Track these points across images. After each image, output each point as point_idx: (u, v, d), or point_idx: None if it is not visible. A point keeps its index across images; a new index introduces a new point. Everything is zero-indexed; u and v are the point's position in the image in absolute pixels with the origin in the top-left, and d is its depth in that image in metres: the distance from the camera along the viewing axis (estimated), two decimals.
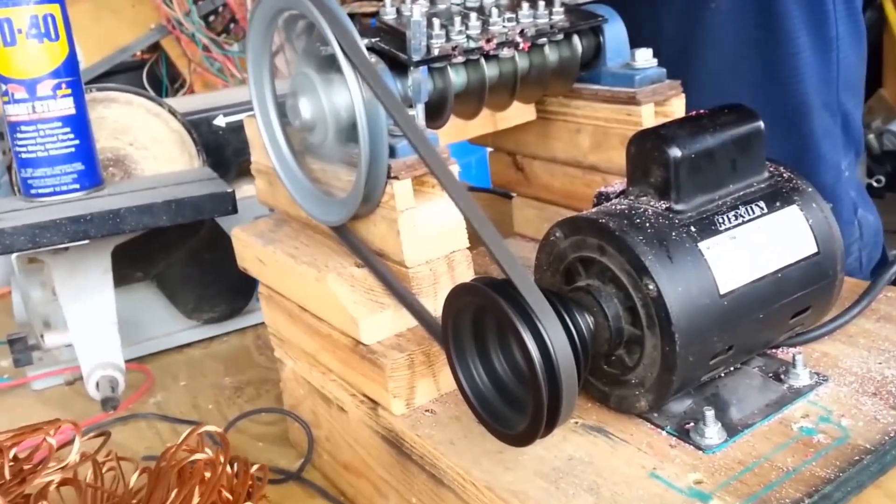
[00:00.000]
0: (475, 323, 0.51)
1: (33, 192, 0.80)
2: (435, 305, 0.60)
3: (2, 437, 0.58)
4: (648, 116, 0.71)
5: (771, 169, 0.57)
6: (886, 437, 0.50)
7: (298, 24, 0.65)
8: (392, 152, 0.58)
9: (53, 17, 0.79)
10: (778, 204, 0.55)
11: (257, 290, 0.99)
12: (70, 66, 0.80)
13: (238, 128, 1.01)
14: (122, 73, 2.06)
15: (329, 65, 0.60)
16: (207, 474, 0.54)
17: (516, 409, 0.50)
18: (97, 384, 0.81)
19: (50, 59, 0.79)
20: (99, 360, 0.82)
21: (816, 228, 0.55)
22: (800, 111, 0.95)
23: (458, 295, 0.50)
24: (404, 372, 0.58)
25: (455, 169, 0.57)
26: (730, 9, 0.92)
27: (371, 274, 0.61)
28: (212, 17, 2.19)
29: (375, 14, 0.69)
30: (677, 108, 0.72)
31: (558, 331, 0.45)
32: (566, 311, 0.50)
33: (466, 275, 0.61)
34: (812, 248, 0.55)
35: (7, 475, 0.55)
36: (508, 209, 0.92)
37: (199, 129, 0.96)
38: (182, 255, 0.96)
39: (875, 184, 2.26)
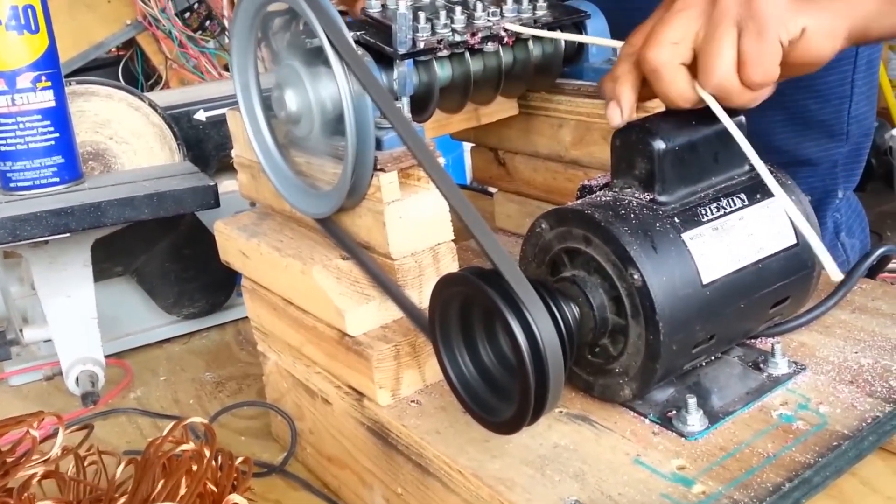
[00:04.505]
0: (462, 312, 0.51)
1: (12, 185, 0.80)
2: (420, 297, 0.60)
3: None
4: None
5: (751, 162, 0.58)
6: (864, 424, 0.52)
7: (279, 18, 0.65)
8: (378, 144, 0.58)
9: (33, 9, 0.78)
10: (758, 196, 0.56)
11: (237, 285, 0.99)
12: (50, 59, 0.79)
13: (218, 122, 1.00)
14: (97, 70, 2.04)
15: (315, 57, 0.60)
16: (194, 467, 0.53)
17: (502, 397, 0.51)
18: (77, 379, 0.81)
19: (30, 51, 0.78)
20: (79, 355, 0.81)
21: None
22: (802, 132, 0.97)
23: (446, 284, 0.51)
24: (390, 363, 0.58)
25: (441, 161, 0.57)
26: None
27: (356, 266, 0.61)
28: (187, 14, 2.18)
29: (345, 13, 0.69)
30: (658, 103, 0.73)
31: (546, 319, 0.46)
32: (552, 301, 0.51)
33: (451, 267, 0.61)
34: (791, 240, 0.56)
35: None
36: (487, 206, 0.93)
37: (180, 123, 0.96)
38: (162, 249, 0.95)
39: None
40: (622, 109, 0.55)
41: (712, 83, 0.52)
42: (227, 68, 2.11)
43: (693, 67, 0.54)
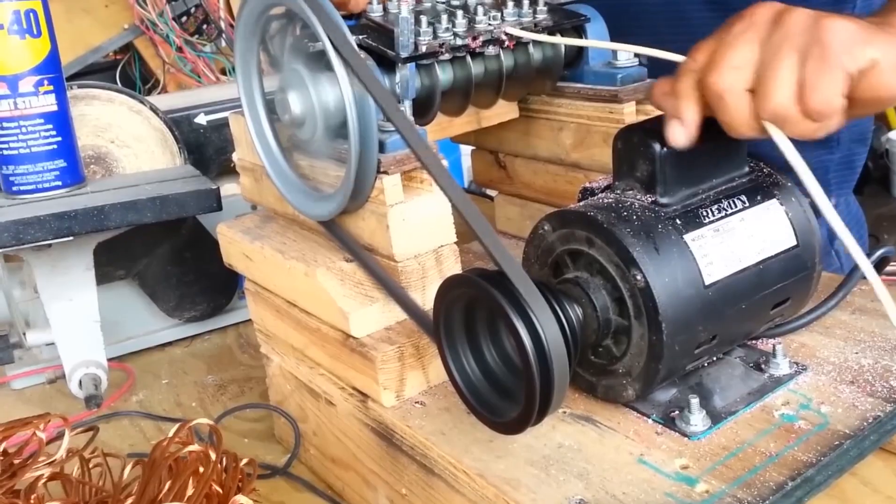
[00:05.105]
0: (466, 313, 0.52)
1: (15, 189, 0.80)
2: (423, 299, 0.60)
3: None
4: (630, 114, 0.73)
5: (751, 164, 0.59)
6: (865, 423, 0.52)
7: (278, 22, 0.65)
8: (381, 147, 0.58)
9: (35, 13, 0.78)
10: (759, 198, 0.57)
11: (239, 288, 0.99)
12: (52, 63, 0.80)
13: (219, 126, 1.01)
14: (94, 74, 2.04)
15: (318, 60, 0.60)
16: (200, 468, 0.54)
17: (507, 398, 0.51)
18: (80, 382, 0.81)
19: (32, 55, 0.78)
20: (81, 358, 0.82)
21: (796, 222, 0.57)
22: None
23: (451, 286, 0.51)
24: (394, 364, 0.58)
25: (444, 164, 0.58)
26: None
27: (360, 268, 0.62)
28: (184, 18, 2.18)
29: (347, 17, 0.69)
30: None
31: (550, 321, 0.46)
32: (556, 303, 0.51)
33: (454, 269, 0.62)
34: (791, 241, 0.57)
35: None
36: (487, 209, 0.93)
37: (181, 127, 0.96)
38: (163, 253, 0.95)
39: None
40: (686, 129, 0.52)
41: (769, 110, 0.49)
42: (224, 72, 2.11)
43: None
